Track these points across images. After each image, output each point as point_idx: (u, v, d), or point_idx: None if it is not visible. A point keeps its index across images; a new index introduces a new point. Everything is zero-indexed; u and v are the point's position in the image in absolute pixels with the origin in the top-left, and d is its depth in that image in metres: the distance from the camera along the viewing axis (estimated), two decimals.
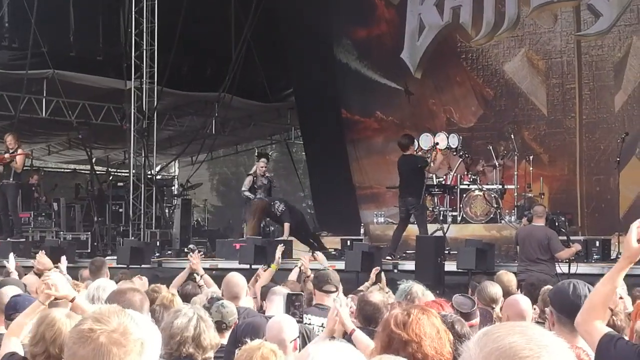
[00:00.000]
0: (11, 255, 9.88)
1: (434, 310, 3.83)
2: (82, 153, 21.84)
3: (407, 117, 18.77)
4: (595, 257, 12.96)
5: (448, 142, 15.61)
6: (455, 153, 15.60)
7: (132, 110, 18.72)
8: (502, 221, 15.04)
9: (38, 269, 9.09)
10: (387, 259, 13.27)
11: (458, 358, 2.66)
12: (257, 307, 7.72)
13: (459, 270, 12.42)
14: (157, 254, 16.19)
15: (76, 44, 19.24)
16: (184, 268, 9.63)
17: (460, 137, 15.93)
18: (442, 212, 15.55)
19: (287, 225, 14.62)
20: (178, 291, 7.82)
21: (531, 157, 16.00)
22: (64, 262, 9.65)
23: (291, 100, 21.85)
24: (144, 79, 18.65)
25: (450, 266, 12.43)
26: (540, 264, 11.18)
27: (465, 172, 15.67)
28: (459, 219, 15.36)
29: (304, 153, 22.82)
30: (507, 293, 7.32)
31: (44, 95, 18.78)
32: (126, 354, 2.32)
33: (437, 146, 15.28)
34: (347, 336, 5.00)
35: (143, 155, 18.89)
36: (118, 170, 22.96)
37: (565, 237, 12.00)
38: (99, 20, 19.85)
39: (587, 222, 16.41)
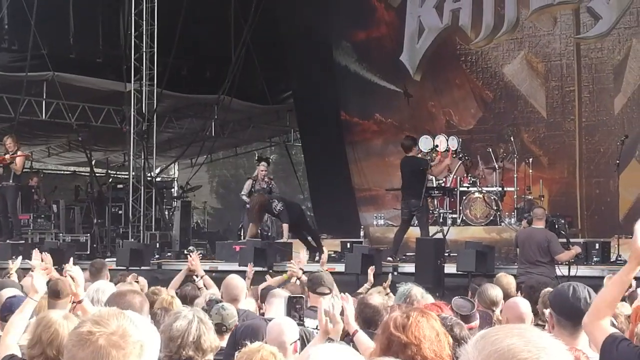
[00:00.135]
0: (35, 252, 9.76)
1: (433, 313, 3.83)
2: (81, 155, 21.84)
3: (407, 119, 18.76)
4: (595, 259, 12.97)
5: (447, 145, 15.60)
6: (455, 156, 15.59)
7: (132, 113, 18.74)
8: (502, 223, 15.01)
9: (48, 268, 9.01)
10: (389, 260, 13.27)
11: None
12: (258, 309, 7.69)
13: (459, 272, 12.40)
14: (157, 256, 16.18)
15: (76, 46, 19.24)
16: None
17: (460, 140, 15.92)
18: (442, 215, 15.54)
19: (285, 227, 14.60)
20: (176, 293, 7.80)
21: (531, 160, 15.99)
22: (71, 263, 9.56)
23: (290, 103, 21.84)
24: (144, 81, 18.68)
25: (450, 268, 12.39)
26: (540, 267, 11.16)
27: (465, 175, 15.67)
28: (458, 221, 15.34)
29: (303, 155, 22.81)
30: (506, 295, 7.30)
31: (44, 97, 18.78)
32: (125, 357, 2.32)
33: (437, 148, 15.28)
34: (347, 337, 4.99)
35: (143, 157, 18.90)
36: (118, 173, 22.93)
37: (565, 240, 11.98)
38: (98, 22, 19.85)
39: (586, 225, 16.41)
